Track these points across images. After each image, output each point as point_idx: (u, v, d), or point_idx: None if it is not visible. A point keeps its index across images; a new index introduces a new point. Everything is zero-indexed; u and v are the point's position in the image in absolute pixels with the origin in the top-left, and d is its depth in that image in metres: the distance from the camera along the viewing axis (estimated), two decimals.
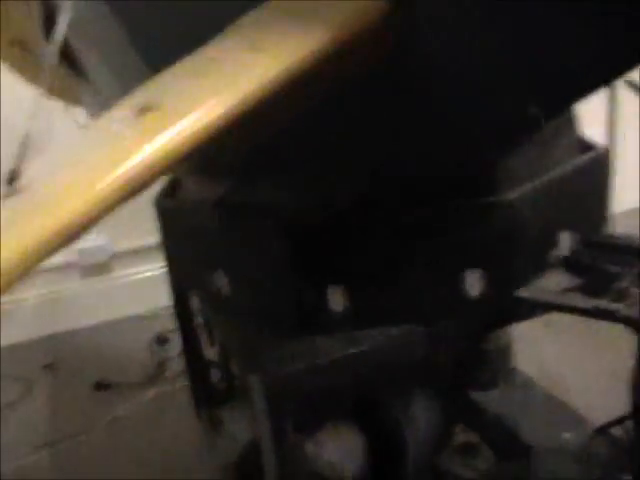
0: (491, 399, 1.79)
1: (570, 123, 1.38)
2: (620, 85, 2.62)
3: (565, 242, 1.28)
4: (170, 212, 1.36)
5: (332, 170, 1.07)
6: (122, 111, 0.77)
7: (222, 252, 1.28)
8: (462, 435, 1.76)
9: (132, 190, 0.73)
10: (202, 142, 0.77)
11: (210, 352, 1.98)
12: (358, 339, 1.18)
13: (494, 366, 1.77)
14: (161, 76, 0.81)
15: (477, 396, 1.81)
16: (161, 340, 2.56)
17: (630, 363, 1.32)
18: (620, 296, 1.13)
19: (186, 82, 0.80)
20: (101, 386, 2.35)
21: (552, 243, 1.26)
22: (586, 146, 1.38)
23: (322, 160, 1.06)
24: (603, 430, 1.55)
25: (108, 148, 0.73)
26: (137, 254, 2.78)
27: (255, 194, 1.22)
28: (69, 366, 2.54)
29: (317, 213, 1.14)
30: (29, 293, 2.68)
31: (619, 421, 1.53)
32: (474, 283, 1.18)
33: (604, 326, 1.23)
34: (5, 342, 2.60)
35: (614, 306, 1.11)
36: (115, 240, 2.77)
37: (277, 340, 1.19)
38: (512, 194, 1.17)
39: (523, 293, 1.20)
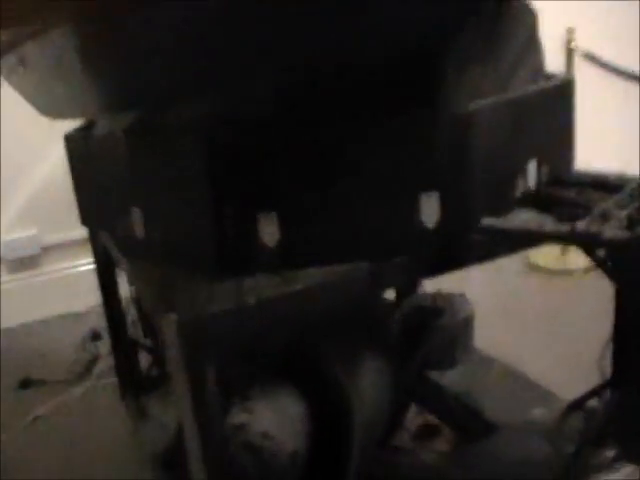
0: (451, 379, 1.62)
1: (534, 50, 1.23)
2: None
3: (532, 173, 1.12)
4: (80, 145, 1.18)
5: (250, 68, 0.90)
6: None
7: (136, 185, 1.10)
8: (420, 417, 1.58)
9: None
10: None
11: (142, 339, 1.79)
12: (292, 278, 0.99)
13: (453, 343, 1.60)
14: None
15: (435, 376, 1.64)
16: (95, 336, 2.34)
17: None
18: (602, 219, 0.96)
19: None
20: (26, 384, 2.12)
21: (518, 172, 1.10)
22: (549, 76, 1.23)
23: (238, 59, 0.89)
24: (579, 403, 1.38)
25: None
26: (68, 248, 2.56)
27: (169, 116, 1.04)
28: None
29: (240, 123, 0.96)
30: None
31: (595, 392, 1.37)
32: (430, 210, 1.01)
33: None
34: None
35: (595, 228, 0.94)
36: (44, 233, 2.55)
37: (198, 281, 1.00)
38: (470, 107, 1.00)
39: (488, 222, 1.03)
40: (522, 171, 1.10)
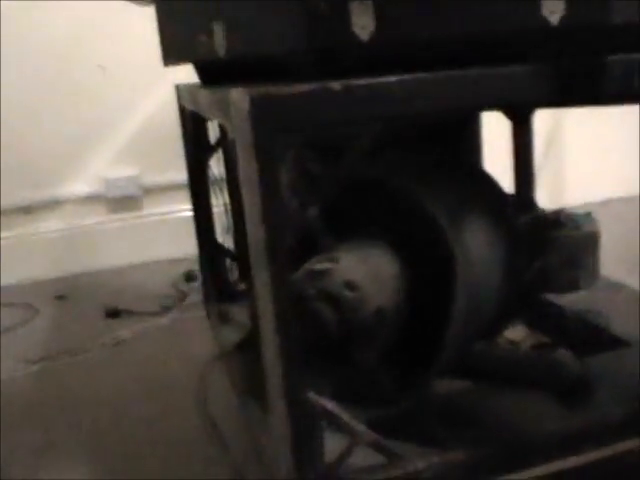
0: (572, 300, 1.42)
1: None
2: None
3: None
4: None
5: None
6: None
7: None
8: (532, 337, 1.38)
9: None
10: None
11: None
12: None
13: (575, 262, 1.40)
14: None
15: (553, 298, 1.44)
16: (189, 277, 2.25)
17: None
18: None
19: None
20: (113, 314, 2.04)
21: None
22: None
23: None
24: None
25: None
26: (169, 191, 2.49)
27: None
28: (83, 297, 2.26)
29: None
30: (48, 226, 2.42)
31: None
32: (553, 3, 0.84)
33: None
34: (19, 276, 2.34)
35: None
36: (145, 174, 2.49)
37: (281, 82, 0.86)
38: None
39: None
40: None
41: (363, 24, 0.85)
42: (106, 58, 2.34)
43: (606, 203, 2.70)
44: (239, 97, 0.78)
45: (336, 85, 0.80)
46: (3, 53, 2.22)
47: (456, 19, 0.85)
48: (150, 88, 2.36)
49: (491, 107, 1.04)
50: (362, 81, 0.81)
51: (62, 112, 2.34)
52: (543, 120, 2.17)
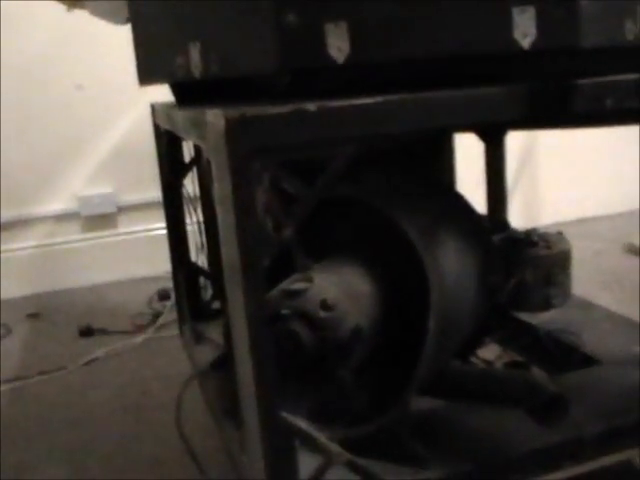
0: (544, 319, 1.43)
1: None
2: None
3: None
4: None
5: None
6: None
7: (194, 18, 0.98)
8: (505, 355, 1.39)
9: None
10: None
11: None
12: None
13: (547, 281, 1.41)
14: None
15: (526, 317, 1.45)
16: (163, 296, 2.25)
17: None
18: None
19: None
20: (85, 332, 2.03)
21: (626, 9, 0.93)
22: None
23: None
24: None
25: None
26: (145, 209, 2.48)
27: None
28: (57, 316, 2.24)
29: None
30: (23, 244, 2.40)
31: None
32: (525, 27, 0.85)
33: None
34: None
35: None
36: (120, 192, 2.49)
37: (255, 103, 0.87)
38: None
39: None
40: (631, 12, 0.93)
41: (338, 46, 0.86)
42: (83, 77, 2.34)
43: (580, 221, 2.74)
44: (215, 118, 0.79)
45: (311, 106, 0.81)
46: None
47: (430, 42, 0.86)
48: (126, 107, 2.36)
49: (464, 127, 1.05)
50: (337, 102, 0.82)
51: (37, 130, 2.33)
52: (518, 139, 2.20)
